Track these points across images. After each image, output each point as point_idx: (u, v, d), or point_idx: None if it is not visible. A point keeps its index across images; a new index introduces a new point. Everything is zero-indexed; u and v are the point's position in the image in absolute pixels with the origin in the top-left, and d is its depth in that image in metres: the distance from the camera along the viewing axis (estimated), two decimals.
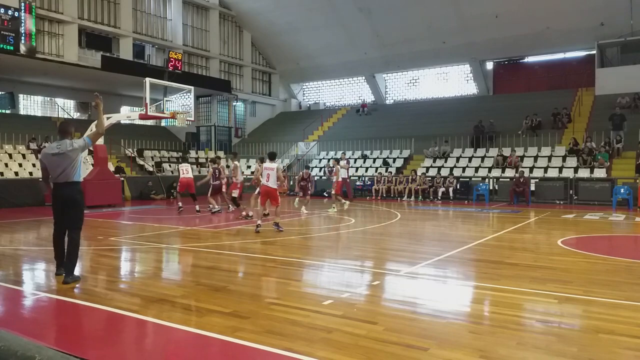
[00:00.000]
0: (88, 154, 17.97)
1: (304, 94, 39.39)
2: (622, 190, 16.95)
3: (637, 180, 17.23)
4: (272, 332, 4.26)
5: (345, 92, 37.57)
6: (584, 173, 19.37)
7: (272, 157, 11.29)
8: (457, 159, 23.38)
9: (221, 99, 32.98)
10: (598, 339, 4.16)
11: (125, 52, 27.92)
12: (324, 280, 6.62)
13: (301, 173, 17.40)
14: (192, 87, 18.62)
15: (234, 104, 33.88)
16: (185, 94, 19.34)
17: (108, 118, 17.16)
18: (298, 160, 28.42)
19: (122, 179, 19.98)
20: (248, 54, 35.61)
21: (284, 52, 35.31)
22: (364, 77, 35.30)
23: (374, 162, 25.59)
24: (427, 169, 23.06)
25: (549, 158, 21.31)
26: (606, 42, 25.51)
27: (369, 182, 22.87)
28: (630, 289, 5.75)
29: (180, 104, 25.05)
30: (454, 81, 33.03)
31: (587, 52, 27.45)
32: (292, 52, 34.68)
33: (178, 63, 28.25)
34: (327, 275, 6.98)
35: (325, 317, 4.69)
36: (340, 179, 16.70)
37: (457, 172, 22.03)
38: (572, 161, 20.41)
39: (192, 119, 18.65)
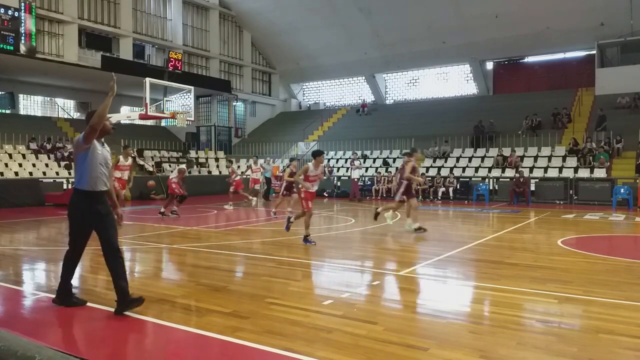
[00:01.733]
0: None
1: (304, 94, 39.39)
2: (622, 190, 16.95)
3: (637, 180, 17.23)
4: (272, 332, 4.26)
5: (345, 92, 37.58)
6: (583, 173, 19.37)
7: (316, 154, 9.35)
8: (457, 159, 23.39)
9: (221, 99, 33.00)
10: (598, 339, 4.16)
11: (125, 52, 27.93)
12: (324, 280, 6.62)
13: (401, 167, 11.54)
14: (192, 87, 18.63)
15: (234, 104, 33.89)
16: (185, 94, 19.38)
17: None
18: (298, 160, 28.39)
19: None
20: (248, 54, 35.62)
21: (284, 52, 35.31)
22: (364, 77, 35.30)
23: (374, 162, 25.59)
24: (427, 169, 23.06)
25: (549, 158, 21.31)
26: (606, 42, 25.52)
27: (369, 182, 22.87)
28: (630, 289, 5.75)
29: (180, 104, 25.07)
30: (454, 81, 33.05)
31: (587, 52, 27.46)
32: (292, 52, 34.69)
33: (178, 63, 28.25)
34: (328, 275, 6.98)
35: (326, 317, 4.69)
36: (237, 178, 17.65)
37: (457, 172, 22.03)
38: (572, 161, 20.41)
39: (192, 119, 18.66)
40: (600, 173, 19.03)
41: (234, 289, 5.89)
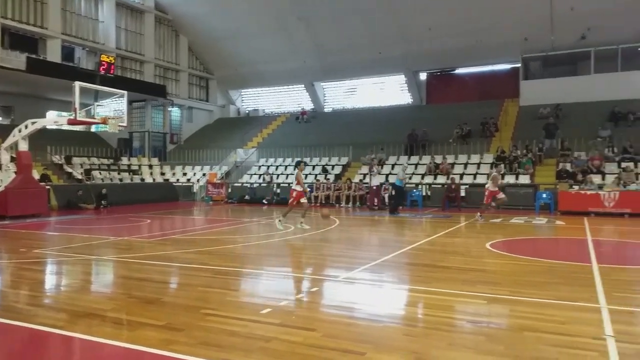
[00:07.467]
0: (10, 161, 16.84)
1: (242, 100, 39.05)
2: (544, 196, 18.05)
3: (557, 186, 18.39)
4: (208, 343, 4.17)
5: (284, 99, 37.62)
6: (509, 179, 20.41)
7: None
8: (392, 166, 23.97)
9: (156, 104, 32.05)
10: (524, 336, 4.39)
11: (53, 54, 26.54)
12: (262, 289, 6.56)
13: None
14: (126, 92, 17.95)
15: (170, 109, 33.04)
16: (117, 99, 18.64)
17: (33, 123, 16.21)
18: (237, 167, 28.08)
19: (48, 187, 18.92)
20: (185, 58, 34.89)
21: (222, 58, 34.89)
22: (303, 85, 35.49)
23: (313, 169, 25.72)
24: (364, 175, 23.46)
25: (478, 165, 22.30)
26: (529, 56, 27.16)
27: (308, 189, 22.89)
28: (553, 289, 6.11)
29: (113, 109, 24.04)
30: (389, 91, 33.92)
31: (513, 65, 29.05)
32: (231, 57, 34.33)
33: (111, 67, 27.20)
34: (265, 283, 6.93)
35: (263, 326, 4.66)
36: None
37: (392, 179, 22.53)
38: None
39: (125, 124, 17.97)
40: (524, 179, 20.13)
41: (168, 300, 5.72)
